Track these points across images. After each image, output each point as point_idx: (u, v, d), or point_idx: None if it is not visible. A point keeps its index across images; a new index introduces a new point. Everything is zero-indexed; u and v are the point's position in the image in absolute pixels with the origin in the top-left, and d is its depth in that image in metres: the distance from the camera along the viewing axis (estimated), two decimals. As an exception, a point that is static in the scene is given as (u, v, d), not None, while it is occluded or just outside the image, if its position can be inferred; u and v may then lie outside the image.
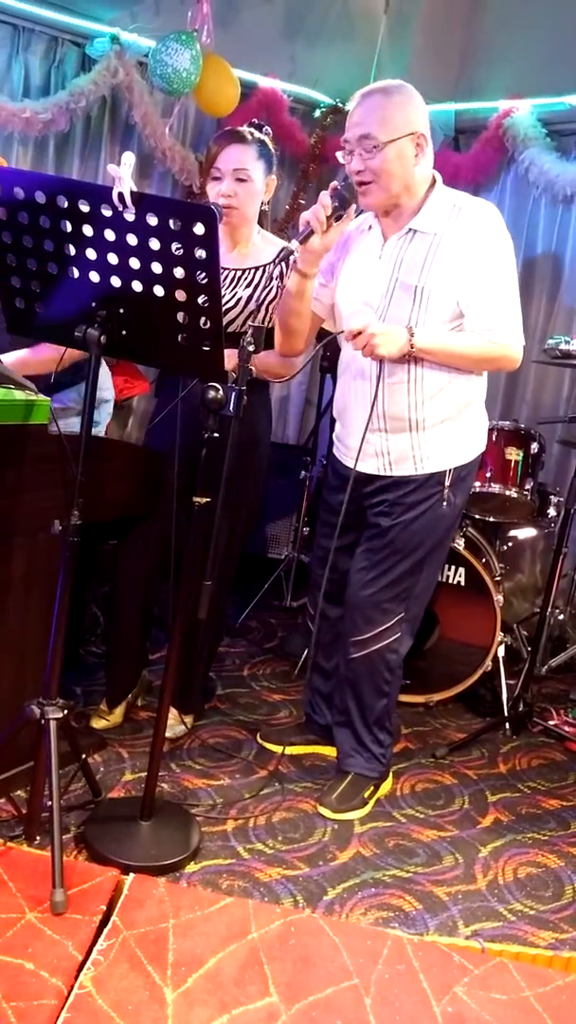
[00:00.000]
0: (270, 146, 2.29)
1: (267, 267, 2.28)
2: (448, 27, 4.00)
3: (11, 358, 2.20)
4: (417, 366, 2.03)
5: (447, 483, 2.13)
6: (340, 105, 4.05)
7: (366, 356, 2.00)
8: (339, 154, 2.02)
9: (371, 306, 2.07)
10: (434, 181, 2.05)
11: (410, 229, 2.03)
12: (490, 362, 2.07)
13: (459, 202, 2.02)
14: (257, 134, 2.26)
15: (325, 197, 1.94)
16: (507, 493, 2.95)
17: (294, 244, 1.98)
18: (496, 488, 2.94)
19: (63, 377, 2.26)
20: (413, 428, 2.09)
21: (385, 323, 2.01)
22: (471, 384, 2.12)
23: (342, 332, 2.11)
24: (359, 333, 1.96)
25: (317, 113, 4.09)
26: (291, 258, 2.02)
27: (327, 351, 3.05)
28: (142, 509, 2.28)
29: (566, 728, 2.83)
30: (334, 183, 1.97)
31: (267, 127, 2.34)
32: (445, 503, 2.14)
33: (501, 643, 2.87)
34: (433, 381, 2.05)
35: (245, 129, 2.26)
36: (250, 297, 2.26)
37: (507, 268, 2.01)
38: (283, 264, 2.13)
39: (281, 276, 2.06)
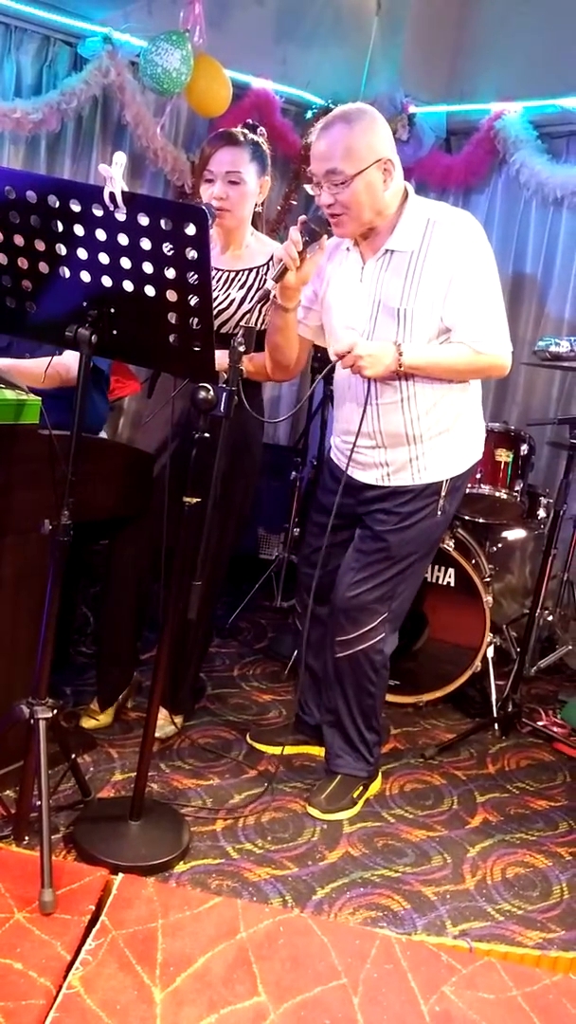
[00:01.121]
0: (264, 147, 2.28)
1: (260, 269, 2.28)
2: (440, 29, 4.02)
3: (1, 363, 2.19)
4: (409, 383, 2.04)
5: (443, 493, 2.14)
6: (332, 106, 4.04)
7: (355, 374, 2.00)
8: (307, 187, 2.02)
9: (356, 330, 2.07)
10: (406, 194, 2.03)
11: (387, 250, 2.01)
12: (479, 372, 2.07)
13: (433, 215, 1.99)
14: (251, 135, 2.26)
15: (295, 233, 1.94)
16: (497, 494, 2.97)
17: (270, 284, 1.99)
18: (486, 489, 2.95)
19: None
20: (411, 442, 2.10)
21: (372, 342, 2.01)
22: (465, 395, 2.13)
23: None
24: (346, 354, 1.96)
25: (309, 114, 4.09)
26: (270, 296, 2.03)
27: (318, 352, 3.06)
28: (132, 509, 2.28)
29: (555, 729, 2.85)
30: (303, 217, 1.97)
31: (261, 128, 2.34)
32: (440, 513, 2.16)
33: (490, 644, 2.88)
34: (426, 397, 2.05)
35: (238, 131, 2.26)
36: (243, 298, 2.26)
37: (488, 278, 1.99)
38: (263, 302, 2.13)
39: (265, 299, 2.06)
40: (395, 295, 2.00)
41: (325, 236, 1.99)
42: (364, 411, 2.08)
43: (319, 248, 1.99)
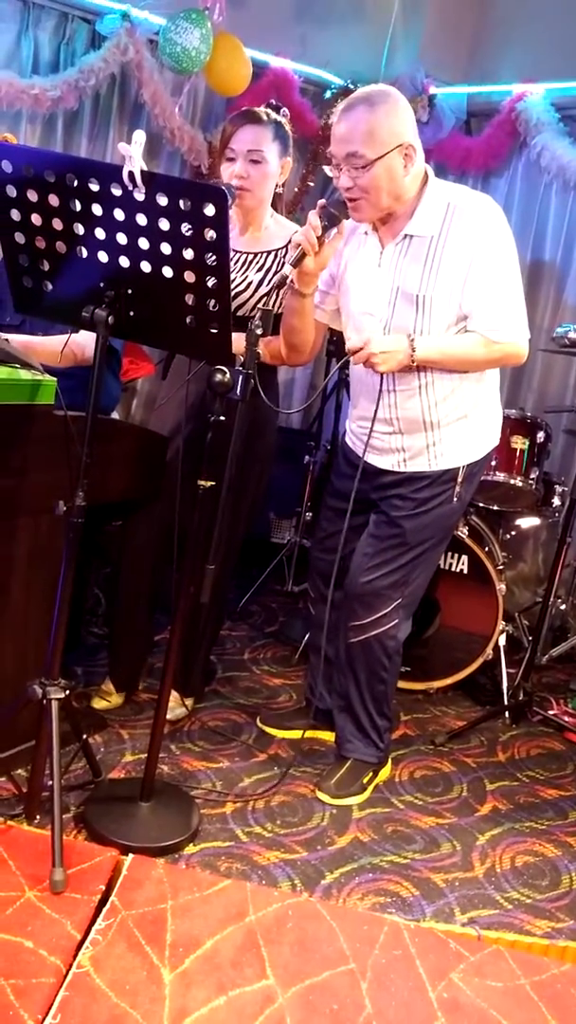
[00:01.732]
0: (286, 127, 2.25)
1: (279, 252, 2.26)
2: (461, 9, 3.96)
3: (17, 340, 2.18)
4: (426, 372, 2.02)
5: (459, 479, 2.13)
6: (351, 87, 4.00)
7: (367, 369, 1.99)
8: (327, 169, 1.99)
9: (374, 316, 2.05)
10: (426, 178, 1.99)
11: (406, 235, 1.98)
12: (495, 362, 2.04)
13: (454, 199, 1.96)
14: (273, 115, 2.23)
15: (314, 218, 1.92)
16: (512, 482, 2.94)
17: (287, 268, 1.96)
18: (501, 476, 2.93)
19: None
20: (429, 428, 2.08)
21: (387, 335, 1.99)
22: (482, 382, 2.11)
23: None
24: (359, 350, 1.94)
25: (328, 94, 4.04)
26: (287, 282, 1.99)
27: (333, 335, 3.03)
28: (145, 492, 2.27)
29: (566, 718, 2.84)
30: (321, 201, 1.95)
31: (284, 109, 2.30)
32: (456, 499, 2.14)
33: (502, 632, 2.87)
34: (444, 384, 2.04)
35: (261, 110, 2.22)
36: (261, 280, 2.24)
37: (508, 265, 1.96)
38: (280, 287, 2.11)
39: (282, 284, 2.03)
40: (414, 281, 1.97)
41: (344, 221, 1.96)
42: (380, 398, 2.06)
43: (338, 233, 1.96)
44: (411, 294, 1.98)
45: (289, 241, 2.22)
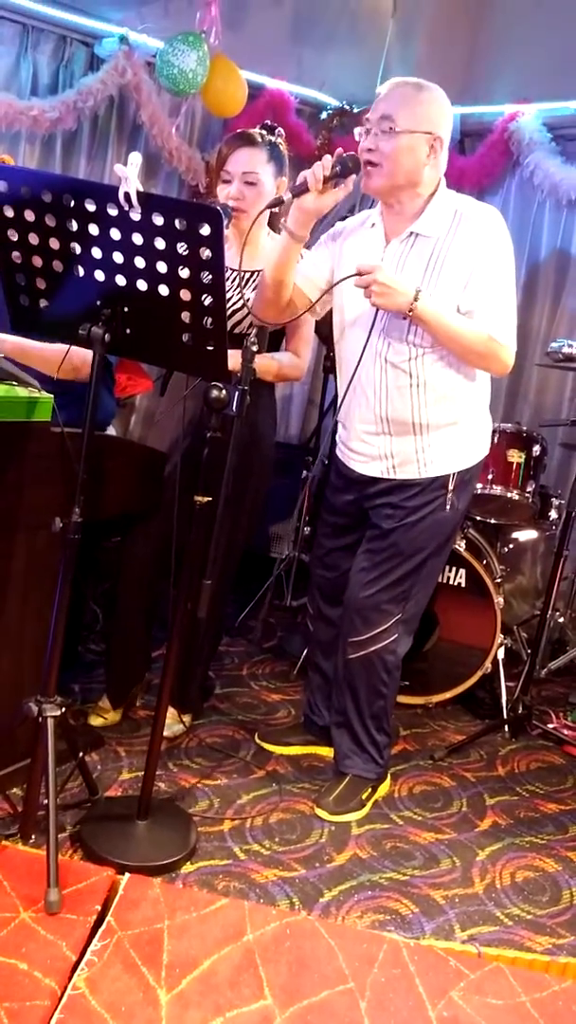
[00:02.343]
0: (281, 148, 2.29)
1: None
2: (455, 31, 4.00)
3: (11, 340, 2.16)
4: (421, 367, 2.03)
5: (451, 487, 2.13)
6: (347, 108, 4.05)
7: (365, 297, 1.95)
8: (357, 130, 2.01)
9: (371, 309, 2.06)
10: (439, 185, 2.05)
11: (411, 232, 2.02)
12: (481, 357, 2.02)
13: (461, 207, 2.02)
14: (268, 136, 2.26)
15: (327, 159, 1.93)
16: (509, 495, 2.95)
17: (287, 196, 1.96)
18: (498, 490, 2.94)
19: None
20: (417, 432, 2.08)
21: (398, 275, 1.98)
22: (475, 388, 2.12)
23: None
24: (367, 273, 1.92)
25: (324, 115, 4.09)
26: (281, 202, 1.98)
27: (330, 351, 3.05)
28: (142, 507, 2.28)
29: (565, 731, 2.83)
30: (339, 149, 1.96)
31: (280, 130, 2.33)
32: (448, 507, 2.14)
33: (501, 645, 2.87)
34: (436, 385, 2.05)
35: (256, 131, 2.26)
36: None
37: (507, 274, 2.01)
38: (273, 207, 2.08)
39: (277, 204, 2.00)
40: (415, 278, 1.99)
41: (353, 176, 1.96)
42: (372, 395, 2.07)
43: (344, 185, 1.96)
44: None
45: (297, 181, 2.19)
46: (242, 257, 2.12)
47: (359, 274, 1.94)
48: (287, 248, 2.05)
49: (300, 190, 1.95)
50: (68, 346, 1.97)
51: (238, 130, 2.31)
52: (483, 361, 2.04)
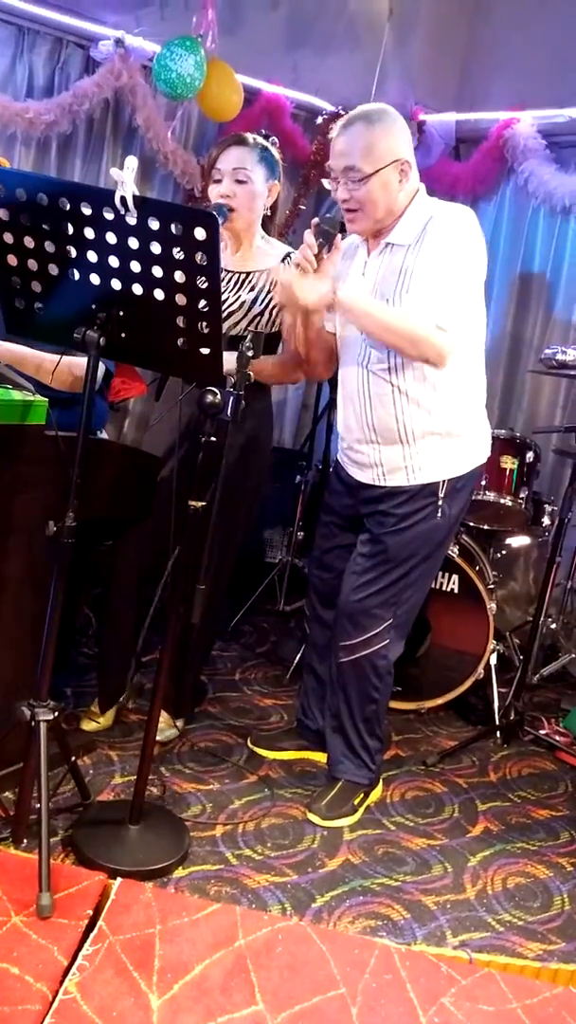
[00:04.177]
0: (273, 152, 2.29)
1: (270, 271, 2.28)
2: (451, 37, 4.03)
3: (5, 347, 2.13)
4: (400, 376, 2.04)
5: (441, 494, 2.13)
6: (342, 112, 4.05)
7: (291, 306, 2.00)
8: (325, 182, 2.06)
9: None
10: (415, 193, 2.06)
11: (387, 244, 2.05)
12: (412, 342, 1.95)
13: (435, 211, 2.03)
14: (260, 140, 2.27)
15: (309, 237, 1.96)
16: (502, 501, 2.96)
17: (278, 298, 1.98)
18: (491, 496, 2.95)
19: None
20: (403, 440, 2.09)
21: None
22: (461, 396, 2.12)
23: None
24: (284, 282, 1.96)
25: (319, 120, 4.09)
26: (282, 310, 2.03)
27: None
28: (134, 511, 2.28)
29: (557, 738, 2.84)
30: (315, 220, 1.99)
31: (274, 138, 2.35)
32: (439, 514, 2.14)
33: (493, 651, 2.87)
34: (418, 393, 2.05)
35: (247, 134, 2.27)
36: (254, 300, 2.26)
37: (458, 263, 1.97)
38: (282, 308, 2.13)
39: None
40: (390, 287, 2.02)
41: (338, 236, 2.01)
42: (358, 403, 2.10)
43: (334, 248, 2.01)
44: (386, 299, 2.02)
45: (284, 258, 2.25)
46: (235, 258, 2.13)
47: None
48: (309, 322, 2.10)
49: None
50: (61, 356, 1.97)
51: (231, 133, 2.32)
52: (415, 349, 1.96)
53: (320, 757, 2.43)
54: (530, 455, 3.01)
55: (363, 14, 3.92)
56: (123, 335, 1.73)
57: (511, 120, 3.73)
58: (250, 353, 1.80)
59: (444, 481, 2.13)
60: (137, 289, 1.66)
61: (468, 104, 3.99)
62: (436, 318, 1.95)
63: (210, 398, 1.76)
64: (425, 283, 1.97)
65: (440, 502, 2.13)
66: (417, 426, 2.08)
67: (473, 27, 4.00)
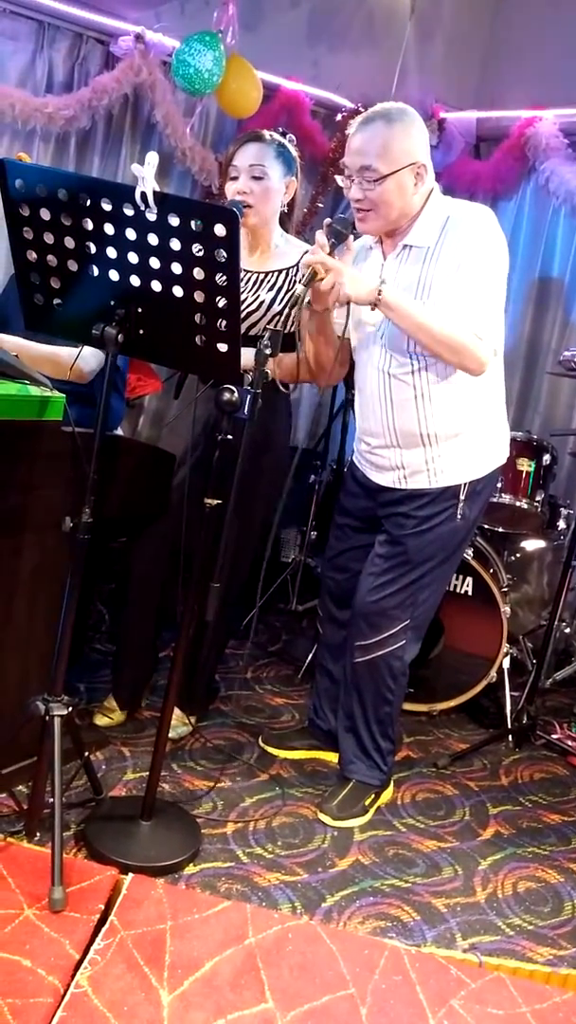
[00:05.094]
0: (291, 150, 2.28)
1: (290, 270, 2.28)
2: (472, 35, 4.00)
3: (11, 341, 2.14)
4: (423, 380, 2.02)
5: (462, 496, 2.12)
6: (362, 110, 4.04)
7: (332, 298, 1.92)
8: (339, 179, 2.03)
9: (371, 324, 2.07)
10: (430, 193, 2.03)
11: (405, 245, 2.03)
12: (453, 351, 1.92)
13: (453, 212, 2.00)
14: (277, 136, 2.26)
15: (321, 237, 1.94)
16: (517, 504, 2.94)
17: (299, 288, 1.93)
18: (506, 499, 2.93)
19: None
20: (426, 443, 2.08)
21: (381, 342, 2.01)
22: (483, 398, 2.11)
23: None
24: (328, 270, 1.89)
25: (339, 117, 4.08)
26: (299, 301, 1.95)
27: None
28: (150, 508, 2.28)
29: (569, 742, 2.82)
30: (327, 220, 1.97)
31: (291, 135, 2.34)
32: (459, 516, 2.13)
33: (506, 654, 2.86)
34: (441, 396, 2.04)
35: (265, 131, 2.26)
36: (274, 299, 2.25)
37: (491, 270, 1.95)
38: (294, 307, 2.11)
39: (296, 303, 2.03)
40: (410, 290, 2.00)
41: (352, 237, 2.00)
42: (379, 407, 2.08)
43: (347, 249, 2.00)
44: None
45: (301, 257, 2.24)
46: (254, 257, 2.12)
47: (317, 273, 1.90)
48: (321, 324, 2.08)
49: (310, 278, 1.92)
50: (68, 348, 1.96)
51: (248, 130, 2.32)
52: (456, 356, 1.94)
53: (331, 757, 2.43)
54: (547, 458, 3.00)
55: (384, 11, 3.90)
56: (141, 331, 1.73)
57: (533, 118, 3.70)
58: (268, 351, 1.79)
59: (465, 484, 2.12)
60: (156, 285, 1.66)
61: (489, 102, 3.96)
62: (474, 327, 1.92)
63: (227, 396, 1.76)
64: (453, 290, 1.93)
65: (461, 505, 2.12)
66: (440, 429, 2.06)
67: (495, 25, 3.98)
